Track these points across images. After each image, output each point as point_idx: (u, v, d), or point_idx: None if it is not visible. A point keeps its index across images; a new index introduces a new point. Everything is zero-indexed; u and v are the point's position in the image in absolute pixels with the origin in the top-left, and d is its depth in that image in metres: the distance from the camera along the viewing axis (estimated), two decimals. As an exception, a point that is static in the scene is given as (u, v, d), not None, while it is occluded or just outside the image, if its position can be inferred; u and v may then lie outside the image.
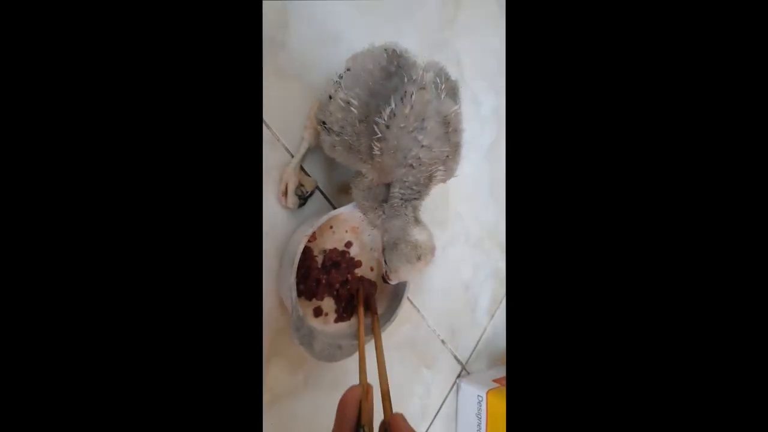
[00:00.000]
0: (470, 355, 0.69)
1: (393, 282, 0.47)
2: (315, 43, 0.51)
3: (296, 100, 0.49)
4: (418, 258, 0.43)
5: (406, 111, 0.38)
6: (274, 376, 0.49)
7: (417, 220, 0.44)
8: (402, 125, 0.38)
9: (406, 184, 0.42)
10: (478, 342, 0.70)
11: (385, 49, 0.41)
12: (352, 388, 0.36)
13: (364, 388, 0.37)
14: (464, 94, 0.67)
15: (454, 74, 0.44)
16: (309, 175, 0.51)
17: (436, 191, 0.47)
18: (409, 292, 0.54)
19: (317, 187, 0.51)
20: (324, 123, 0.43)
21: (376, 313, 0.51)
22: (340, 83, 0.42)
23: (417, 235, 0.43)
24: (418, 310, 0.62)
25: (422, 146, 0.39)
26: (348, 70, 0.42)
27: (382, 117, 0.38)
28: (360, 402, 0.35)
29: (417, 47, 0.60)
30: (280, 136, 0.49)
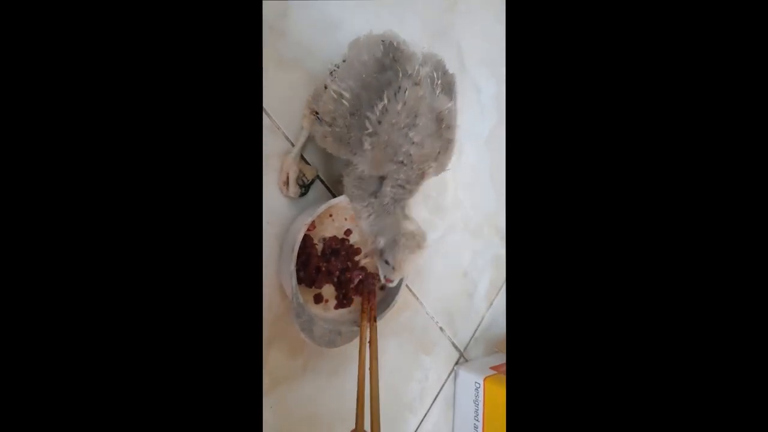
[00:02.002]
0: (468, 342, 0.70)
1: (394, 281, 0.47)
2: (315, 30, 0.51)
3: (297, 88, 0.49)
4: (418, 246, 0.44)
5: (399, 107, 0.38)
6: (274, 361, 0.50)
7: (406, 216, 0.46)
8: (393, 121, 0.38)
9: (398, 182, 0.42)
10: (476, 329, 0.71)
11: (382, 40, 0.40)
12: None
13: None
14: (465, 81, 0.67)
15: (454, 61, 0.44)
16: (309, 164, 0.51)
17: (436, 178, 0.47)
18: (408, 279, 0.54)
19: (317, 176, 0.52)
20: (317, 113, 0.44)
21: (375, 317, 0.51)
22: (335, 73, 0.42)
23: (409, 226, 0.45)
24: (417, 297, 0.63)
25: (413, 143, 0.39)
26: (344, 61, 0.42)
27: (374, 111, 0.38)
28: None
29: (417, 34, 0.60)
30: (281, 125, 0.49)
